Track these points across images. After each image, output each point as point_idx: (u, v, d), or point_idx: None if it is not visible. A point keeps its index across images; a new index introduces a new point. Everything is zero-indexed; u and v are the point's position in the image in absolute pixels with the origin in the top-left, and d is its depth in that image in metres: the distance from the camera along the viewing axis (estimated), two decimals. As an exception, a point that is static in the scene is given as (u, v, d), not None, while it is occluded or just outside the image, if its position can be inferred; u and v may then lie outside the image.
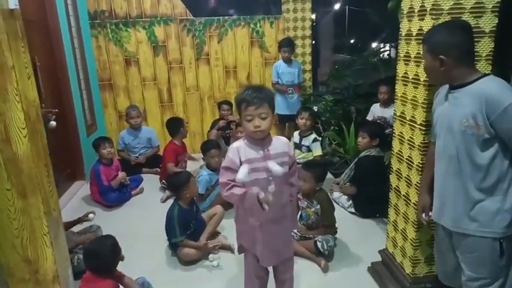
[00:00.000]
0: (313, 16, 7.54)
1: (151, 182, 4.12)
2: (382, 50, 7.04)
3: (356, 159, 3.58)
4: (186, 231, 2.75)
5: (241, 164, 1.75)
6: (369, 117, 4.19)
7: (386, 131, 3.69)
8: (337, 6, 9.92)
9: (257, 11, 6.72)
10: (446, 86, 1.63)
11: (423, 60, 1.66)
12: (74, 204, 3.73)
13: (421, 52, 1.67)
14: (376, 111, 4.12)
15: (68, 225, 2.81)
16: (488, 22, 1.74)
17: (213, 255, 2.76)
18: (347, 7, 11.04)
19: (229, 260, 2.72)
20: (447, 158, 1.62)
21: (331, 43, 8.91)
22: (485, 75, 1.54)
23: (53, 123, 2.89)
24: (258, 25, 4.96)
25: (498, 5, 1.73)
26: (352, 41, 11.08)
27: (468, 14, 1.73)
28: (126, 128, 4.61)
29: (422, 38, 1.66)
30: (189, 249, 2.71)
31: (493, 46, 1.78)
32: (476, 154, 1.51)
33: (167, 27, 4.81)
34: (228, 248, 2.83)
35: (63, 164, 3.81)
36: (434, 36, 1.56)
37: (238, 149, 1.77)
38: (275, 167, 1.71)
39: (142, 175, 4.27)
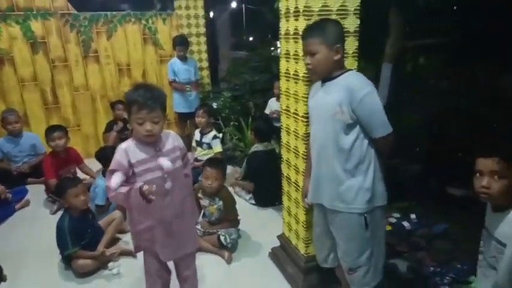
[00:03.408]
0: (211, 14, 7.58)
1: (38, 193, 3.73)
2: (274, 47, 7.37)
3: (246, 157, 3.72)
4: (80, 242, 2.57)
5: (130, 166, 1.70)
6: (267, 111, 4.40)
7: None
8: (233, 5, 10.10)
9: (150, 7, 6.49)
10: (319, 83, 1.80)
11: (308, 56, 1.71)
12: None
13: (308, 47, 1.71)
14: (272, 105, 4.34)
15: None
16: (351, 23, 1.96)
17: (113, 263, 2.63)
18: (243, 6, 11.31)
19: (131, 266, 2.62)
20: (318, 143, 1.81)
21: (229, 40, 9.05)
22: (348, 70, 1.76)
23: None
24: (150, 21, 4.81)
25: (359, 7, 1.97)
26: (250, 39, 11.40)
27: (335, 15, 1.93)
28: (3, 134, 4.08)
29: (309, 32, 1.71)
30: (85, 260, 2.54)
31: (357, 44, 2.01)
32: (341, 139, 1.70)
33: (46, 22, 4.37)
34: (129, 254, 2.72)
35: None
36: (328, 28, 1.69)
37: (127, 150, 1.71)
38: (165, 162, 1.70)
39: (27, 186, 3.85)
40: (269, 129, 3.68)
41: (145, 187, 1.61)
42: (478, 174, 1.46)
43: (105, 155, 3.35)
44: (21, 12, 4.27)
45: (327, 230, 1.92)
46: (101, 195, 3.19)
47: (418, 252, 2.62)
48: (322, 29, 1.69)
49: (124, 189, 1.66)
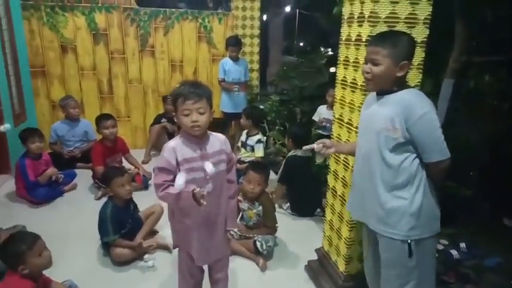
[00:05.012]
0: (264, 17, 7.59)
1: (85, 177, 3.87)
2: (328, 53, 7.23)
3: (284, 159, 3.67)
4: (121, 231, 2.61)
5: (177, 164, 1.69)
6: (315, 118, 4.30)
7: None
8: (287, 9, 10.10)
9: (206, 6, 6.61)
10: (374, 94, 1.69)
11: (370, 64, 1.60)
12: (-4, 200, 3.41)
13: (372, 56, 1.58)
14: (322, 112, 4.23)
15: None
16: (420, 33, 1.83)
17: (149, 256, 2.65)
18: (297, 10, 11.28)
19: (166, 261, 2.63)
20: (362, 157, 1.70)
21: (281, 44, 9.02)
22: (409, 87, 1.64)
23: (7, 126, 2.61)
24: (206, 20, 4.87)
25: (429, 17, 1.84)
26: (301, 44, 11.34)
27: (403, 23, 1.81)
28: (60, 119, 4.30)
29: (378, 40, 1.60)
30: (123, 249, 2.58)
31: (423, 56, 1.88)
32: (387, 156, 1.57)
33: (109, 15, 4.56)
34: (165, 248, 2.74)
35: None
36: (401, 42, 1.56)
37: (175, 148, 1.71)
38: (209, 166, 1.68)
39: (76, 170, 4.00)
40: (306, 135, 3.64)
41: (197, 190, 1.59)
42: None
43: None
44: (88, 4, 4.48)
45: (373, 250, 1.79)
46: None
47: (466, 285, 2.42)
48: (394, 41, 1.55)
49: (174, 191, 1.65)
